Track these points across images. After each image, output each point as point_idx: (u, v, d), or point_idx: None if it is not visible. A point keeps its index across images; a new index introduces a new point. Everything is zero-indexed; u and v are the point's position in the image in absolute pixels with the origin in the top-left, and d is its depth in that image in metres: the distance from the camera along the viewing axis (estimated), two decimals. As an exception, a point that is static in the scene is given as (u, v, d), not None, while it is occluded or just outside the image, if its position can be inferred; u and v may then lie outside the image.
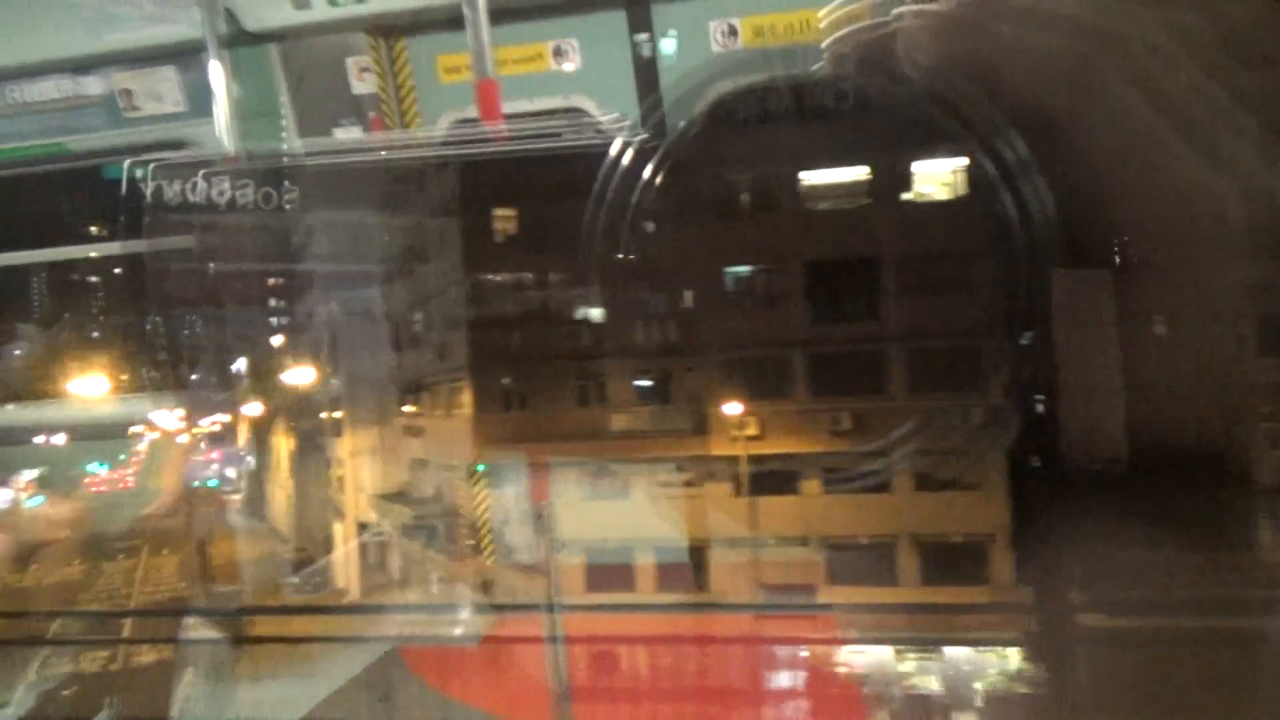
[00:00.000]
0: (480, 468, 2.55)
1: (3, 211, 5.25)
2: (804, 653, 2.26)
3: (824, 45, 1.12)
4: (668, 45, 3.92)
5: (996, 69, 0.93)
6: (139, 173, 1.71)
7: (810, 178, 1.41)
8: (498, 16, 3.08)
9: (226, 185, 1.68)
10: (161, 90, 4.53)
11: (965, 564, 1.52)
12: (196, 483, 3.30)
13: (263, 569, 2.89)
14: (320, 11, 4.05)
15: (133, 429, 4.92)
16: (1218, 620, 0.97)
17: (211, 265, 1.87)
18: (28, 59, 4.56)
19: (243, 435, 2.91)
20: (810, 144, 1.37)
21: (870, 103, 1.22)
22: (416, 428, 2.18)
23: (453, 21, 3.21)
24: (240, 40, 4.13)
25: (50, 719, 3.00)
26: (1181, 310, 0.93)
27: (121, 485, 4.97)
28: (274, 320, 2.21)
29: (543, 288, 1.60)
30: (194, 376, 2.38)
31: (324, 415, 2.60)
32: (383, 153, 2.29)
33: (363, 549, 2.68)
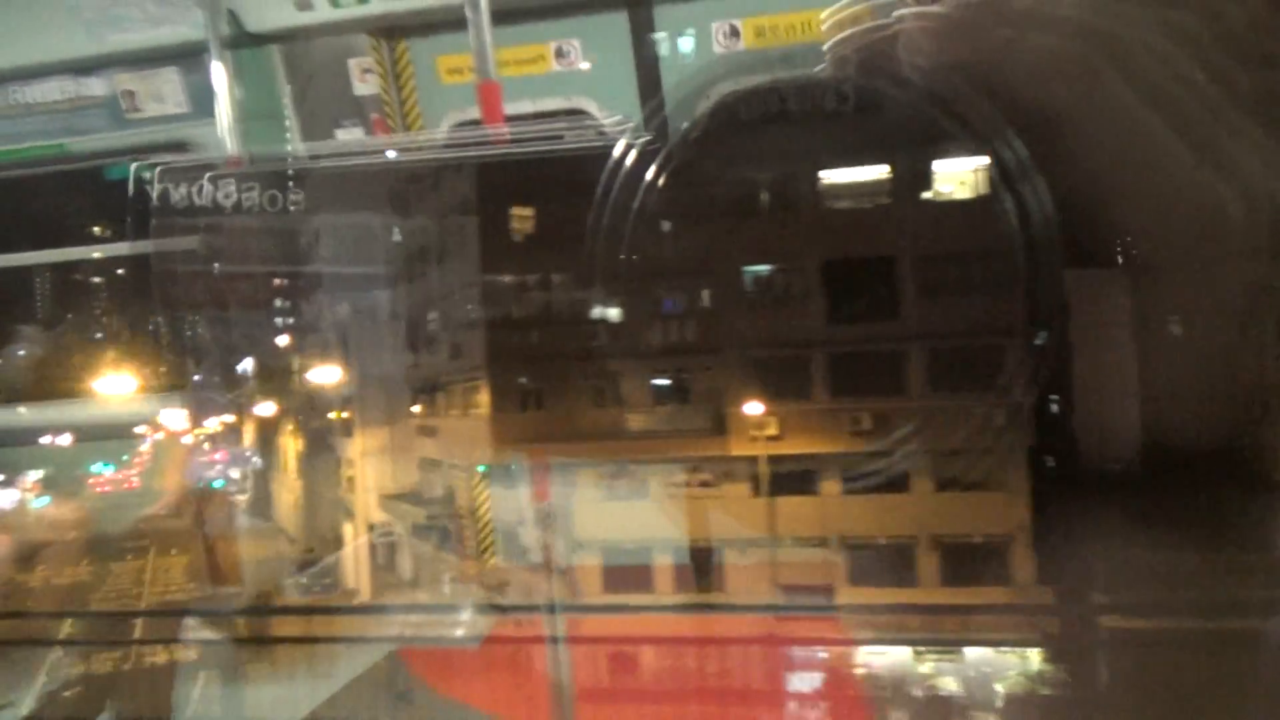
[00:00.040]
0: (481, 468, 2.55)
1: (4, 213, 5.27)
2: (812, 654, 2.27)
3: (825, 47, 1.12)
4: (669, 46, 3.93)
5: (998, 71, 0.93)
6: (146, 175, 1.72)
7: (812, 179, 1.42)
8: (500, 17, 3.10)
9: (232, 188, 1.70)
10: (164, 91, 4.55)
11: (984, 564, 1.52)
12: (201, 483, 3.31)
13: (270, 569, 2.90)
14: (322, 13, 4.06)
15: (137, 429, 4.93)
16: (1238, 622, 0.97)
17: (217, 267, 1.89)
18: (30, 60, 4.57)
19: (249, 436, 2.92)
20: (811, 145, 1.37)
21: (872, 104, 1.22)
22: (430, 427, 2.18)
23: (455, 23, 3.22)
24: (242, 41, 4.15)
25: (52, 719, 3.01)
26: (1198, 311, 0.94)
27: (127, 486, 4.98)
28: (280, 321, 2.22)
29: (554, 289, 1.61)
30: (198, 377, 2.39)
31: (333, 415, 2.61)
32: (386, 155, 2.31)
33: (372, 549, 2.69)
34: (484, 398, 1.81)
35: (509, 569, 2.62)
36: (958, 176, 1.28)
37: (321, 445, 2.71)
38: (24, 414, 5.19)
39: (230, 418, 2.79)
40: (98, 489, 5.08)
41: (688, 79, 1.30)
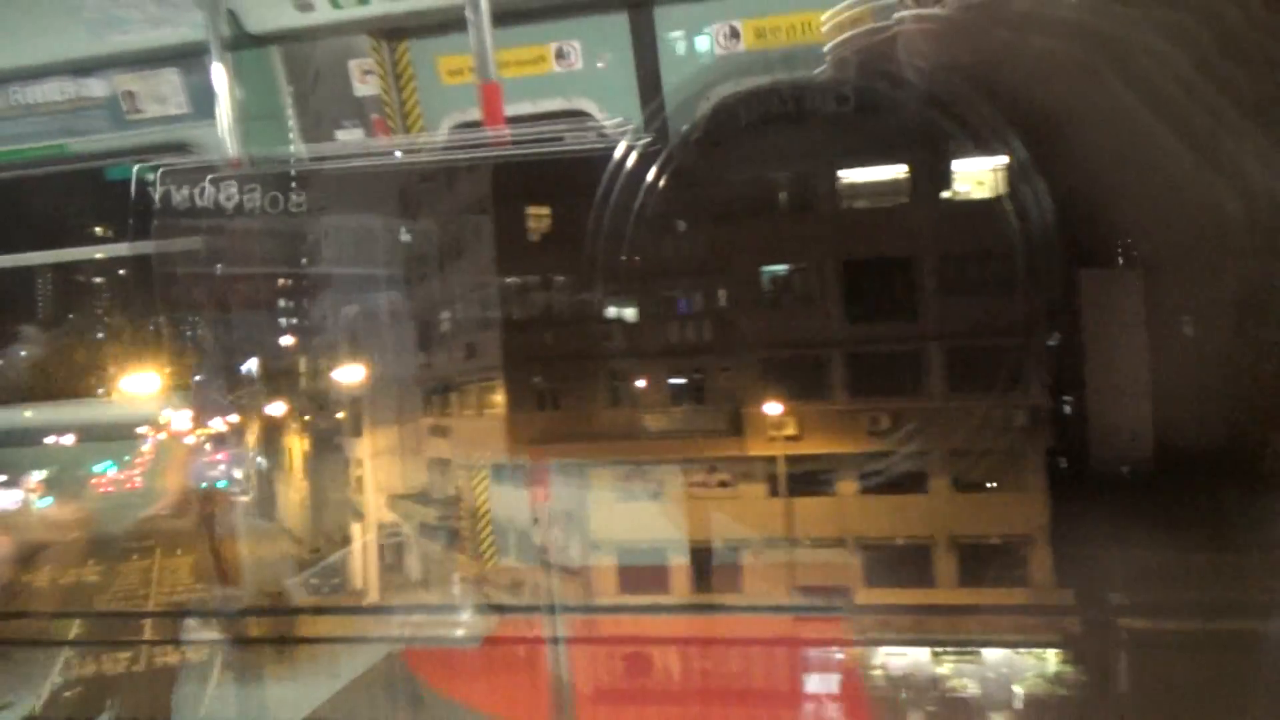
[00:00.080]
0: (490, 468, 2.55)
1: (5, 213, 5.27)
2: (817, 654, 2.26)
3: (826, 49, 1.12)
4: (670, 47, 3.93)
5: (997, 72, 0.94)
6: (148, 177, 1.72)
7: (812, 180, 1.42)
8: (500, 18, 3.09)
9: (234, 190, 1.70)
10: (164, 92, 4.54)
11: (1002, 565, 1.52)
12: (204, 483, 3.31)
13: (272, 571, 2.90)
14: (323, 14, 4.06)
15: (139, 430, 4.93)
16: (1256, 623, 0.96)
17: (219, 268, 1.89)
18: (30, 61, 4.57)
19: (253, 436, 2.92)
20: (812, 146, 1.38)
21: (872, 106, 1.23)
22: (442, 427, 2.18)
23: (455, 23, 3.22)
24: (243, 42, 4.14)
25: (54, 719, 3.01)
26: (1199, 311, 0.93)
27: (129, 486, 4.98)
28: (281, 322, 2.22)
29: (563, 290, 1.61)
30: (199, 378, 2.39)
31: (341, 415, 2.61)
32: (388, 156, 2.30)
33: (381, 550, 2.68)
34: (499, 398, 1.81)
35: (521, 569, 2.62)
36: (958, 177, 1.28)
37: (328, 445, 2.71)
38: (26, 414, 5.19)
39: (234, 418, 2.79)
40: (100, 489, 5.08)
41: (688, 80, 1.30)
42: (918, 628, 1.92)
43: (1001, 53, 0.94)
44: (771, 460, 1.67)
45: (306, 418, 2.74)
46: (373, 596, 2.70)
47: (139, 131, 4.59)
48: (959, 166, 1.24)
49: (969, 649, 2.04)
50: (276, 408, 2.69)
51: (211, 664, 3.03)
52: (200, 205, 1.71)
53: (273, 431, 2.86)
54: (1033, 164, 1.01)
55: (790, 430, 1.57)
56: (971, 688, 2.04)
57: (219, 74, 3.73)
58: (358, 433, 2.60)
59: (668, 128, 1.32)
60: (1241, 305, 0.92)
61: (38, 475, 4.86)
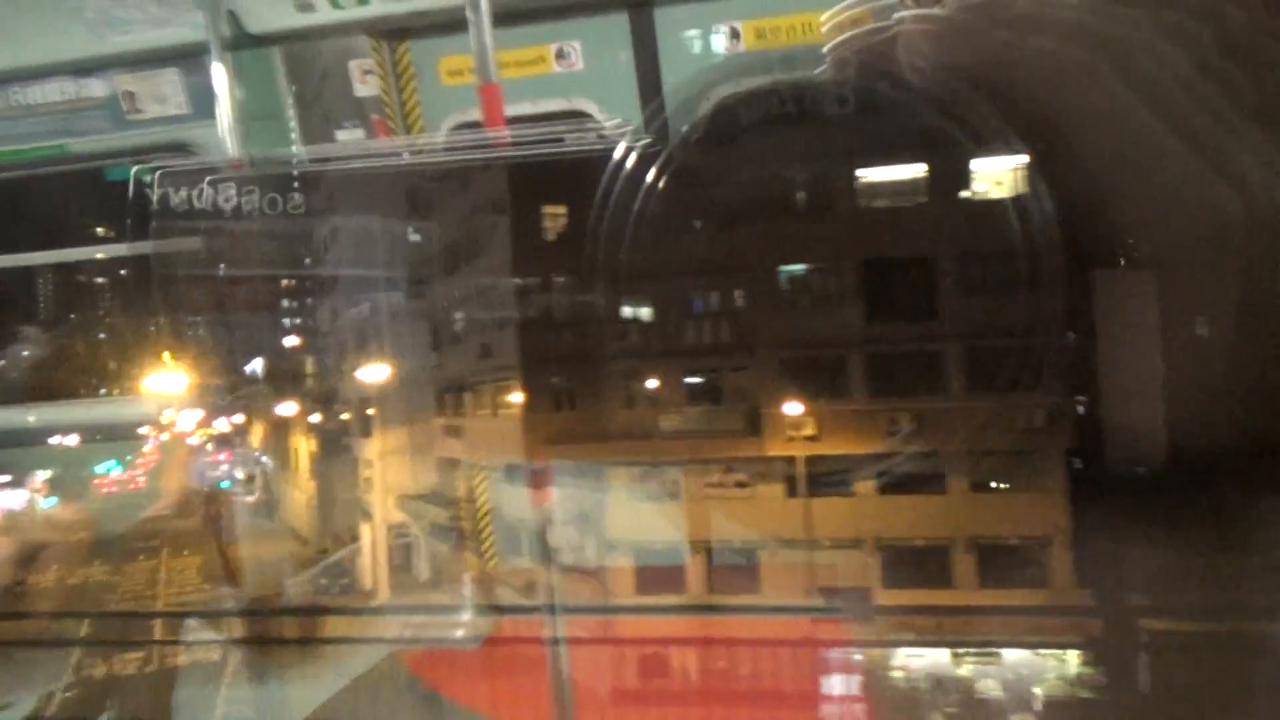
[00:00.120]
0: (502, 469, 2.55)
1: (5, 213, 5.28)
2: (823, 656, 2.26)
3: (826, 49, 1.12)
4: (670, 48, 3.93)
5: (997, 73, 0.93)
6: (146, 178, 1.73)
7: (812, 181, 1.42)
8: (500, 19, 3.09)
9: (233, 191, 1.70)
10: (164, 93, 4.55)
11: (1021, 566, 1.52)
12: (207, 484, 3.32)
13: (274, 571, 2.90)
14: (323, 14, 4.06)
15: (142, 430, 4.94)
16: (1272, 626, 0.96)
17: (219, 270, 1.89)
18: (31, 61, 4.58)
19: (256, 437, 2.92)
20: (812, 147, 1.38)
21: (872, 106, 1.22)
22: (456, 428, 2.17)
23: (456, 24, 3.22)
24: (243, 43, 4.15)
25: (54, 719, 3.02)
26: (1196, 310, 0.93)
27: (132, 486, 4.99)
28: (287, 323, 2.22)
29: (576, 290, 1.60)
30: (203, 379, 2.40)
31: (348, 416, 2.60)
32: (388, 156, 2.31)
33: (390, 550, 2.68)
34: (513, 397, 1.81)
35: (534, 569, 2.62)
36: (970, 177, 1.28)
37: (336, 446, 2.71)
38: (27, 414, 5.20)
39: (238, 418, 2.79)
40: (103, 489, 5.09)
41: (688, 81, 1.30)
42: (937, 629, 1.91)
43: (1002, 53, 0.93)
44: (789, 461, 1.66)
45: (313, 418, 2.73)
46: (382, 597, 2.70)
47: (139, 132, 4.60)
48: (969, 167, 1.24)
49: (989, 650, 2.04)
50: (283, 408, 2.69)
51: (216, 665, 3.03)
52: (198, 207, 1.71)
53: (279, 432, 2.85)
54: (1034, 164, 1.01)
55: (808, 430, 1.56)
56: (993, 689, 2.04)
57: (219, 74, 3.74)
58: (367, 433, 2.59)
59: (668, 128, 1.31)
60: (1260, 306, 0.91)
61: (42, 475, 4.87)
